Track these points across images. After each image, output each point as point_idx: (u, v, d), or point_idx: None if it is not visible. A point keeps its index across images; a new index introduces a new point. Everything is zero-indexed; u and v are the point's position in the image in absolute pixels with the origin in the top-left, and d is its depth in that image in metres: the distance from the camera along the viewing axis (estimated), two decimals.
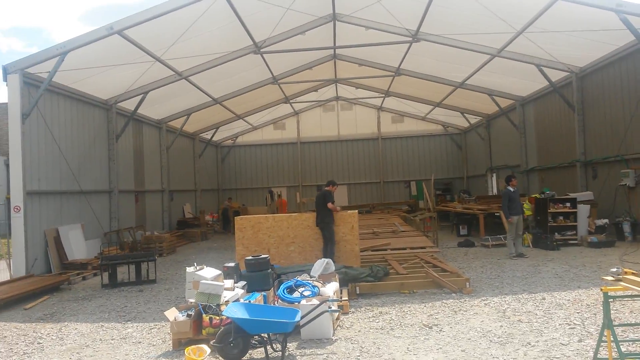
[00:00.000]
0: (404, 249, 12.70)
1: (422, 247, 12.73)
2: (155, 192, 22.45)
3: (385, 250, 12.71)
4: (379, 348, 6.10)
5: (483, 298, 8.34)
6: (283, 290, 7.22)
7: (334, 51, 21.13)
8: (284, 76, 22.48)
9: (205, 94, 21.25)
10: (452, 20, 15.54)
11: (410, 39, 17.25)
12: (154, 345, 6.79)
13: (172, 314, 6.99)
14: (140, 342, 6.96)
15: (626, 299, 5.10)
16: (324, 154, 32.61)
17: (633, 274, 4.96)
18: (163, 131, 23.15)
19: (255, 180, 32.79)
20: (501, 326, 6.72)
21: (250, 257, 8.28)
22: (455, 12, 15.06)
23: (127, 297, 10.26)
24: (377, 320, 7.31)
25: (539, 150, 21.45)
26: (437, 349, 5.95)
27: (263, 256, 8.32)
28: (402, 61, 20.42)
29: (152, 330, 7.57)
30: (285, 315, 5.98)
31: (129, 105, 18.64)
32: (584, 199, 15.25)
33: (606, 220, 14.55)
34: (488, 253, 13.80)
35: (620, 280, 4.95)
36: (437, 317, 7.33)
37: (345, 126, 32.31)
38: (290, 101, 28.15)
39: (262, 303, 7.28)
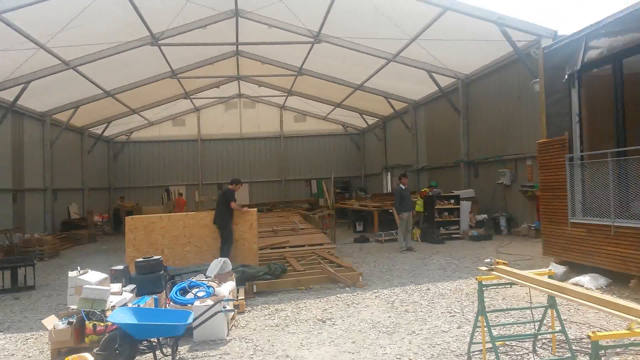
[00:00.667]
0: (303, 246, 12.88)
1: (319, 244, 13.00)
2: (37, 191, 20.64)
3: (284, 248, 12.81)
4: (273, 345, 6.14)
5: (374, 291, 8.72)
6: (175, 292, 6.99)
7: (237, 47, 20.85)
8: (183, 71, 21.73)
9: (96, 85, 19.92)
10: (352, 24, 16.03)
11: (312, 39, 17.53)
12: (29, 357, 6.26)
13: (51, 322, 6.48)
14: (13, 355, 6.38)
15: (499, 286, 5.57)
16: (225, 152, 32.04)
17: (504, 264, 5.46)
18: (47, 125, 21.34)
19: (152, 178, 31.36)
20: (389, 317, 7.07)
21: (141, 259, 7.93)
22: (355, 16, 15.55)
23: (0, 306, 9.34)
24: (273, 318, 7.35)
25: (428, 150, 22.87)
26: (329, 342, 6.11)
27: (155, 257, 8.00)
28: (304, 61, 20.68)
29: (29, 340, 6.96)
30: (176, 317, 5.80)
31: (7, 95, 16.96)
32: (467, 196, 16.52)
33: (485, 216, 15.89)
34: (381, 248, 14.45)
35: (492, 270, 5.43)
36: (331, 311, 7.54)
37: (248, 124, 32.03)
38: (191, 97, 27.31)
39: (152, 307, 7.00)
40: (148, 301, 6.99)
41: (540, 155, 10.13)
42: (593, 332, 3.27)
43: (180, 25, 16.63)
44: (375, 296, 8.35)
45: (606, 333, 3.32)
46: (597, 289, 8.04)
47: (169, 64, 20.10)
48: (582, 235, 8.82)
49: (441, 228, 15.34)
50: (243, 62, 23.03)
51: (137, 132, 31.10)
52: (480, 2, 17.57)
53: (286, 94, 27.56)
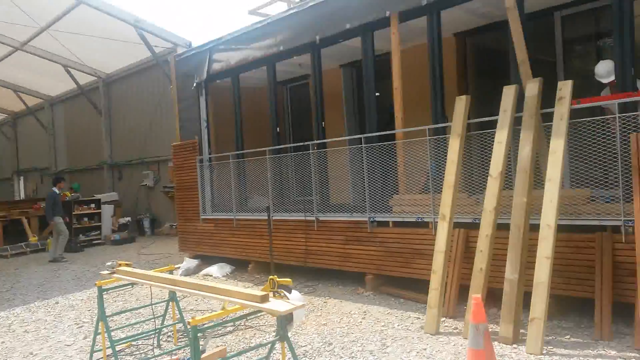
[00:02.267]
0: None
1: None
2: None
3: None
4: None
5: None
6: None
7: None
8: None
9: None
10: None
11: None
12: None
13: None
14: None
15: (119, 289, 5.49)
16: None
17: (126, 265, 5.43)
18: None
19: None
20: (2, 342, 6.10)
21: None
22: None
23: None
24: None
25: (69, 152, 21.04)
26: None
27: None
28: None
29: None
30: None
31: None
32: (109, 199, 15.95)
33: (129, 218, 15.69)
34: (7, 264, 12.43)
35: (114, 272, 5.32)
36: None
37: None
38: None
39: None
40: None
41: (175, 157, 10.63)
42: (193, 317, 3.56)
43: None
44: None
45: (204, 316, 3.67)
46: (223, 276, 8.97)
47: None
48: (211, 229, 9.70)
49: (80, 235, 14.30)
50: None
51: None
52: (120, 2, 17.25)
53: None
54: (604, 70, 5.73)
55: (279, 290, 3.45)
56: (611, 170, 4.84)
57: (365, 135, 7.09)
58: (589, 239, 5.00)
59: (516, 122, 5.33)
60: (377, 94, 7.30)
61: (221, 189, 9.67)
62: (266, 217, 7.85)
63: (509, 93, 5.39)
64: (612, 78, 5.54)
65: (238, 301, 3.61)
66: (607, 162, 4.83)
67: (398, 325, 5.53)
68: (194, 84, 9.90)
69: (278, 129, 8.89)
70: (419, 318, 5.68)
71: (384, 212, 6.87)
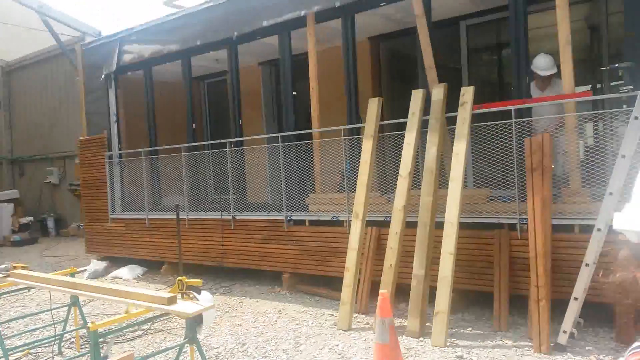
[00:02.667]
0: None
1: None
2: None
3: None
4: None
5: None
6: None
7: None
8: None
9: None
10: None
11: None
12: None
13: None
14: None
15: (14, 293, 5.10)
16: None
17: (22, 267, 5.05)
18: None
19: None
20: None
21: None
22: None
23: None
24: None
25: None
26: None
27: None
28: None
29: None
30: None
31: None
32: (8, 197, 14.74)
33: (31, 218, 14.60)
34: None
35: (9, 276, 4.93)
36: None
37: None
38: None
39: None
40: None
41: (82, 153, 10.03)
42: (92, 322, 3.38)
43: None
44: None
45: (104, 321, 3.49)
46: (134, 278, 8.60)
47: None
48: (122, 229, 9.25)
49: None
50: None
51: None
52: None
53: None
54: (545, 63, 5.71)
55: (188, 291, 3.36)
56: (509, 172, 5.20)
57: (282, 134, 7.09)
58: (488, 236, 5.35)
59: (425, 125, 5.58)
60: (294, 93, 7.33)
61: (133, 187, 9.26)
62: (181, 217, 7.62)
63: (417, 97, 5.63)
64: (554, 71, 5.62)
65: (143, 304, 3.47)
66: (506, 163, 5.19)
67: (312, 323, 5.59)
68: (103, 76, 9.39)
69: (194, 125, 8.66)
70: (333, 315, 5.78)
71: (300, 210, 6.92)
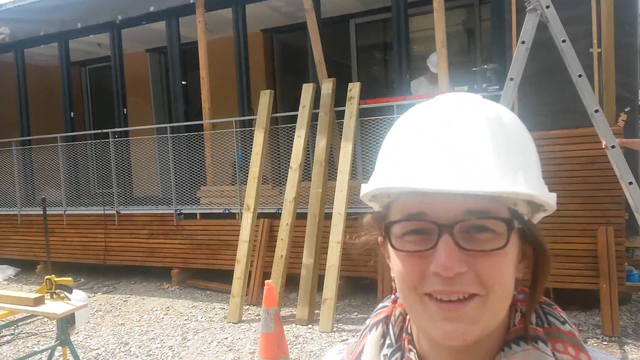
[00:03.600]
0: None
1: None
2: None
3: None
4: None
5: None
6: None
7: None
8: None
9: None
10: None
11: None
12: None
13: None
14: None
15: None
16: None
17: None
18: None
19: None
20: None
21: None
22: None
23: None
24: None
25: None
26: None
27: None
28: None
29: None
30: None
31: None
32: None
33: None
34: None
35: None
36: None
37: None
38: None
39: None
40: None
41: None
42: None
43: None
44: None
45: None
46: (5, 280, 7.83)
47: None
48: None
49: None
50: None
51: None
52: None
53: None
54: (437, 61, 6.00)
55: (58, 291, 3.13)
56: None
57: (171, 124, 6.84)
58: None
59: (315, 118, 5.70)
60: (184, 82, 7.10)
61: (2, 181, 8.39)
62: (59, 212, 7.06)
63: (307, 90, 5.73)
64: None
65: (7, 306, 3.17)
66: None
67: (202, 318, 5.49)
68: None
69: (72, 113, 8.05)
70: (224, 308, 5.72)
71: (191, 204, 6.73)
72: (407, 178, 0.56)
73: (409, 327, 0.67)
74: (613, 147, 3.55)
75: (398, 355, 0.65)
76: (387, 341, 0.67)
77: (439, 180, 0.54)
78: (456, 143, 0.56)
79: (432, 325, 0.57)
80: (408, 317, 0.67)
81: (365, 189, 0.63)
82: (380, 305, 0.73)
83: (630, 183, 3.55)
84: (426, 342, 0.64)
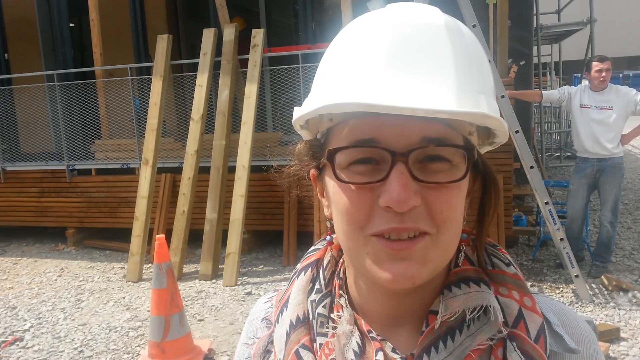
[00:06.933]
0: None
1: None
2: None
3: None
4: None
5: None
6: None
7: None
8: None
9: None
10: None
11: None
12: None
13: None
14: None
15: None
16: None
17: None
18: None
19: None
20: None
21: None
22: None
23: None
24: None
25: None
26: None
27: None
28: None
29: None
30: None
31: None
32: None
33: None
34: None
35: None
36: None
37: None
38: None
39: None
40: None
41: None
42: None
43: None
44: None
45: None
46: None
47: None
48: None
49: None
50: None
51: None
52: None
53: None
54: (379, 5, 5.83)
55: None
56: None
57: (57, 72, 6.21)
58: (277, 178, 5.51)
59: (217, 67, 5.40)
60: (72, 25, 6.43)
61: None
62: None
63: (208, 36, 5.40)
64: None
65: None
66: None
67: (99, 278, 5.20)
68: None
69: None
70: (124, 268, 5.46)
71: (85, 159, 6.25)
72: (360, 94, 0.46)
73: (340, 271, 0.60)
74: (502, 97, 3.67)
75: (327, 301, 0.58)
76: (317, 286, 0.59)
77: (397, 98, 0.44)
78: (415, 56, 0.46)
79: (377, 266, 0.50)
80: (341, 260, 0.60)
81: (302, 110, 0.52)
82: (312, 247, 0.65)
83: (532, 167, 3.73)
84: (364, 286, 0.56)
